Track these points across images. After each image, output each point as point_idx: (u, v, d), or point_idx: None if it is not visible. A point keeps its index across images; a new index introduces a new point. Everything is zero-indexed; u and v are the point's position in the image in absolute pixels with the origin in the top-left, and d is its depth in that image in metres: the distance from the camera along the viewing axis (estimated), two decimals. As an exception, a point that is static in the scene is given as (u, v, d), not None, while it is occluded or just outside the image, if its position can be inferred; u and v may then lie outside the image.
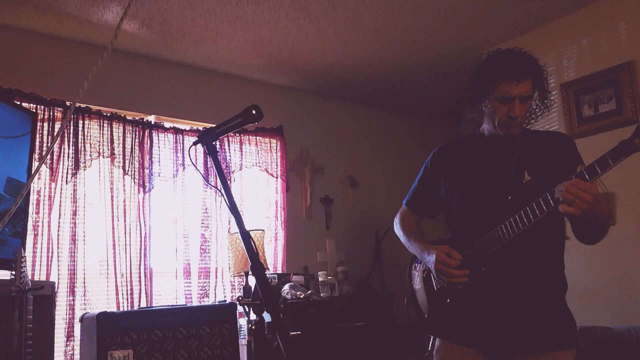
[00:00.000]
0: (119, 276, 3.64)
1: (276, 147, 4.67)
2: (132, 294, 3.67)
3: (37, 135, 3.37)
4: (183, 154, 4.10)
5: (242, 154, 4.44)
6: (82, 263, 3.53)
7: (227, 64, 4.37)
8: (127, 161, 3.82)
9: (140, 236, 3.80)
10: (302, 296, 3.85)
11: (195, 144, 1.59)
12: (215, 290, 4.08)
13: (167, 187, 4.04)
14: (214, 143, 1.57)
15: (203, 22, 3.65)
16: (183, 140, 4.14)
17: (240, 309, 3.65)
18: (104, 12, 3.43)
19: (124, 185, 3.80)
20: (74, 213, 3.55)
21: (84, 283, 3.52)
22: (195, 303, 3.94)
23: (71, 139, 3.61)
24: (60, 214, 3.50)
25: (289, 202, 4.66)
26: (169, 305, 3.52)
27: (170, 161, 4.06)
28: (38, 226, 3.38)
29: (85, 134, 3.68)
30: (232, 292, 4.15)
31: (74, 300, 3.45)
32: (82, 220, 3.58)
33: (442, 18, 3.79)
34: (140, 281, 3.73)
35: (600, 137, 3.59)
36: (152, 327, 3.10)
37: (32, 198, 3.36)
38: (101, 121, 3.77)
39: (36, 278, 3.29)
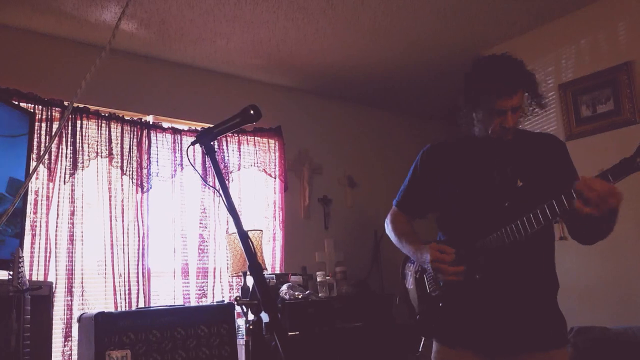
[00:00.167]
0: (117, 276, 3.63)
1: (274, 147, 4.67)
2: (130, 294, 3.66)
3: (35, 135, 3.37)
4: (181, 154, 4.09)
5: (240, 154, 4.44)
6: (80, 263, 3.52)
7: (226, 64, 4.37)
8: (125, 161, 3.82)
9: (138, 236, 3.79)
10: (300, 296, 3.85)
11: (193, 144, 1.58)
12: (213, 290, 4.08)
13: (165, 187, 4.04)
14: (212, 143, 1.56)
15: (201, 22, 3.65)
16: (181, 140, 4.14)
17: (238, 309, 3.65)
18: (102, 12, 3.43)
19: (122, 186, 3.79)
20: (72, 213, 3.54)
21: (82, 283, 3.51)
22: (193, 303, 3.94)
23: (69, 139, 3.60)
24: (58, 214, 3.49)
25: (287, 202, 4.66)
26: (167, 306, 3.51)
27: (168, 161, 4.06)
28: (36, 226, 3.37)
29: (83, 134, 3.67)
30: (230, 292, 4.15)
31: (71, 300, 3.44)
32: (80, 221, 3.57)
33: (441, 18, 3.79)
34: (138, 281, 3.73)
35: (598, 138, 3.59)
36: (150, 327, 3.10)
37: (30, 198, 3.35)
38: (99, 121, 3.76)
39: (34, 278, 3.28)
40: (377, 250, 4.99)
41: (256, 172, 4.55)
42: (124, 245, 3.71)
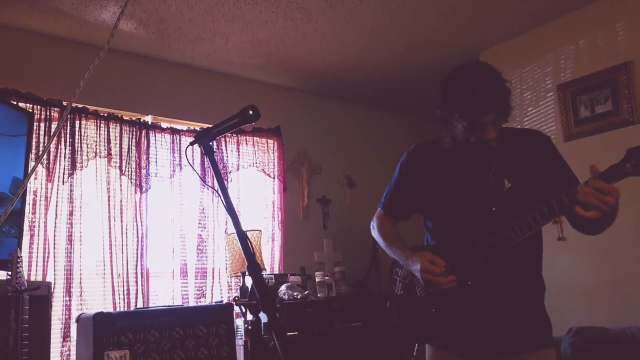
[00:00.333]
0: (115, 276, 3.63)
1: (273, 147, 4.67)
2: (128, 294, 3.66)
3: (34, 136, 3.37)
4: (180, 154, 4.09)
5: (239, 154, 4.44)
6: (78, 263, 3.52)
7: (225, 64, 4.36)
8: (123, 161, 3.82)
9: (137, 236, 3.79)
10: (299, 296, 3.85)
11: (192, 144, 1.58)
12: (212, 290, 4.08)
13: (164, 188, 4.03)
14: (211, 143, 1.56)
15: (200, 22, 3.64)
16: (180, 140, 4.14)
17: (237, 309, 3.64)
18: (101, 12, 3.42)
19: (120, 186, 3.79)
20: (71, 213, 3.54)
21: (81, 283, 3.51)
22: (192, 303, 3.94)
23: (68, 139, 3.60)
24: (56, 214, 3.49)
25: (286, 202, 4.65)
26: (165, 306, 3.51)
27: (167, 161, 4.06)
28: (34, 226, 3.37)
29: (82, 134, 3.67)
30: (229, 293, 4.15)
31: (70, 300, 3.44)
32: (79, 221, 3.57)
33: (440, 18, 3.79)
34: (136, 281, 3.73)
35: (597, 138, 3.60)
36: (149, 328, 3.09)
37: (29, 198, 3.35)
38: (98, 121, 3.76)
39: (32, 278, 3.28)
40: (376, 250, 4.99)
41: (255, 172, 4.55)
42: (122, 245, 3.70)
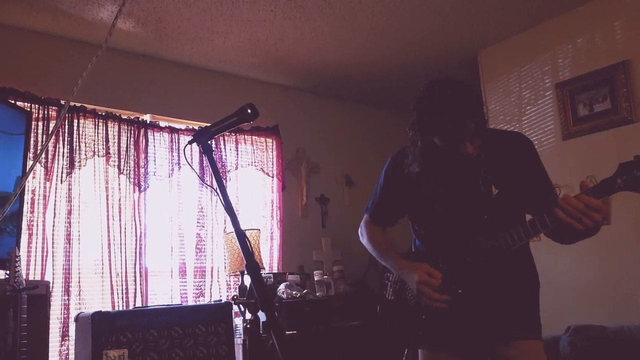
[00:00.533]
0: (114, 275, 3.63)
1: (272, 146, 4.67)
2: (127, 293, 3.66)
3: (32, 135, 3.36)
4: (178, 153, 4.09)
5: (237, 153, 4.44)
6: (77, 262, 3.51)
7: (223, 63, 4.36)
8: (122, 160, 3.81)
9: (136, 235, 3.78)
10: (298, 295, 3.85)
11: (190, 143, 1.58)
12: (210, 289, 4.08)
13: (163, 186, 4.03)
14: (209, 142, 1.56)
15: (199, 21, 3.64)
16: (178, 139, 4.13)
17: (235, 308, 3.64)
18: (99, 10, 3.42)
19: (119, 185, 3.78)
20: (69, 212, 3.54)
21: (79, 282, 3.51)
22: (190, 302, 3.93)
23: (66, 138, 3.60)
24: (55, 213, 3.48)
25: (284, 201, 4.65)
26: (164, 305, 3.51)
27: (165, 160, 4.05)
28: (33, 225, 3.36)
29: (80, 133, 3.66)
30: (227, 292, 4.15)
31: (68, 299, 3.43)
32: (77, 220, 3.57)
33: (438, 17, 3.79)
34: (135, 280, 3.72)
35: (595, 137, 3.60)
36: (148, 327, 3.09)
37: (27, 197, 3.34)
38: (96, 120, 3.75)
39: (31, 277, 3.27)
40: (375, 249, 4.99)
41: (254, 171, 4.55)
42: (121, 244, 3.70)
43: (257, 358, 3.36)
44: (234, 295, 3.68)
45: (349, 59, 4.40)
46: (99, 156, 3.73)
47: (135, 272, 3.73)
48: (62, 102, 3.55)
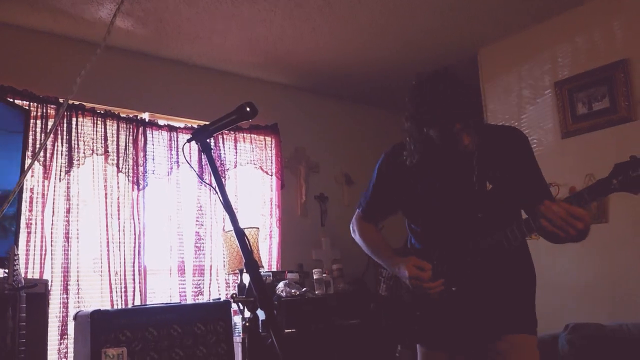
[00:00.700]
0: (112, 274, 3.63)
1: (271, 144, 4.67)
2: (126, 291, 3.66)
3: (30, 133, 3.36)
4: (177, 151, 4.09)
5: (236, 152, 4.44)
6: (75, 261, 3.51)
7: (222, 62, 4.36)
8: (121, 159, 3.81)
9: (134, 234, 3.78)
10: (297, 294, 3.85)
11: (189, 141, 1.58)
12: (209, 288, 4.08)
13: (162, 185, 4.03)
14: (208, 140, 1.56)
15: (198, 20, 3.64)
16: (177, 137, 4.13)
17: (234, 306, 3.64)
18: (98, 9, 3.41)
19: (117, 183, 3.78)
20: (68, 211, 3.53)
21: (78, 281, 3.50)
22: (189, 301, 3.93)
23: (64, 137, 3.59)
24: (53, 212, 3.48)
25: (283, 199, 4.65)
26: (163, 303, 3.51)
27: (164, 159, 4.05)
28: (31, 224, 3.36)
29: (79, 131, 3.66)
30: (226, 290, 4.15)
31: (67, 298, 3.43)
32: (76, 218, 3.56)
33: (437, 16, 3.79)
34: (134, 279, 3.72)
35: (594, 135, 3.60)
36: (147, 325, 3.09)
37: (26, 196, 3.34)
38: (95, 118, 3.75)
39: (29, 276, 3.27)
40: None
41: (253, 170, 4.55)
42: (120, 243, 3.70)
43: (256, 356, 3.37)
44: (233, 294, 3.68)
45: (348, 58, 4.40)
46: (97, 154, 3.73)
47: (134, 270, 3.73)
48: (61, 100, 3.55)
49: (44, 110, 3.50)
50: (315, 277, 4.37)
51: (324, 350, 3.78)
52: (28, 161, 3.12)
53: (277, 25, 3.78)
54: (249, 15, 3.61)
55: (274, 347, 1.36)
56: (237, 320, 3.68)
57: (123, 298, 3.63)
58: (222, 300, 3.68)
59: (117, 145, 3.81)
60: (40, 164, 3.46)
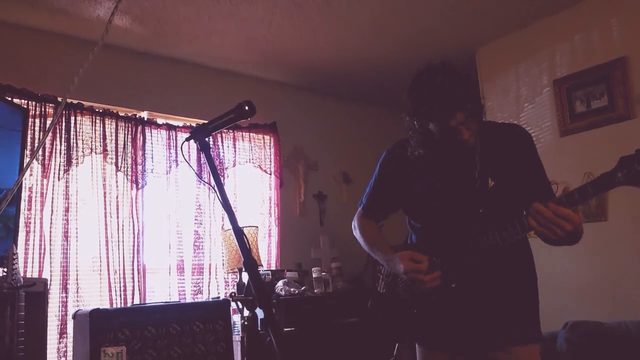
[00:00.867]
0: (112, 273, 3.63)
1: (270, 143, 4.67)
2: (125, 290, 3.66)
3: (29, 132, 3.35)
4: (176, 150, 4.08)
5: (235, 151, 4.44)
6: (74, 260, 3.51)
7: (221, 61, 4.35)
8: (119, 158, 3.81)
9: (133, 233, 3.78)
10: (296, 292, 3.85)
11: (188, 140, 1.57)
12: (208, 286, 4.08)
13: (160, 184, 4.03)
14: (207, 139, 1.56)
15: (197, 19, 3.63)
16: (176, 136, 4.13)
17: (233, 305, 3.65)
18: (96, 8, 3.41)
19: (116, 182, 3.78)
20: (66, 210, 3.53)
21: (77, 280, 3.50)
22: (188, 299, 3.94)
23: (63, 135, 3.59)
24: (52, 211, 3.48)
25: (282, 198, 4.65)
26: (162, 302, 3.51)
27: (163, 157, 4.05)
28: (30, 223, 3.36)
29: (78, 130, 3.66)
30: (225, 289, 4.15)
31: (66, 297, 3.43)
32: (75, 217, 3.56)
33: (436, 15, 3.79)
34: (133, 278, 3.72)
35: (593, 134, 3.60)
36: (146, 324, 3.10)
37: (24, 194, 3.33)
38: (93, 117, 3.75)
39: (28, 275, 3.27)
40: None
41: (251, 169, 4.55)
42: (119, 241, 3.70)
43: (255, 355, 3.37)
44: (232, 293, 3.67)
45: (346, 57, 4.40)
46: (96, 153, 3.72)
47: (133, 269, 3.73)
48: (59, 99, 3.54)
49: (43, 109, 3.49)
50: (314, 275, 4.37)
51: (323, 348, 3.78)
52: (27, 160, 3.11)
53: (276, 25, 3.78)
54: (247, 14, 3.60)
55: (272, 345, 1.37)
56: (236, 319, 3.69)
57: (122, 297, 3.63)
58: (221, 299, 3.69)
59: (116, 144, 3.81)
60: (38, 163, 3.46)
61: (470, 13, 3.80)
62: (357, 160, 5.25)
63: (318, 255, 4.79)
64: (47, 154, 3.50)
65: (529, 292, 1.82)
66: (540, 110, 3.93)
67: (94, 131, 3.73)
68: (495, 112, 4.19)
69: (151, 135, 4.01)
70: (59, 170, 3.54)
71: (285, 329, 3.65)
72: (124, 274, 3.67)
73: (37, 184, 3.44)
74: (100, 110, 3.79)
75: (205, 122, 1.58)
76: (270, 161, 4.63)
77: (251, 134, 4.56)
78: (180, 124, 4.21)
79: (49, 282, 3.29)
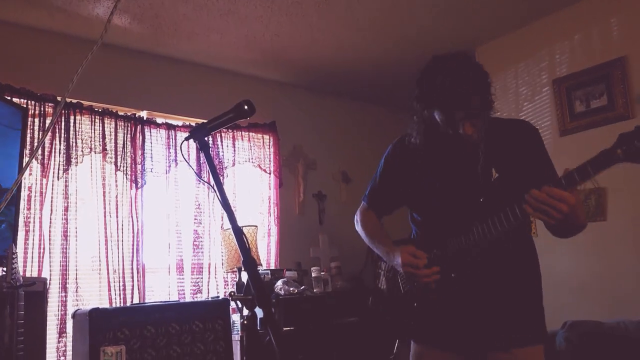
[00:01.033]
0: (111, 272, 3.63)
1: (269, 142, 4.67)
2: (124, 290, 3.66)
3: (29, 131, 3.35)
4: (175, 149, 4.08)
5: (234, 150, 4.43)
6: (74, 259, 3.51)
7: (220, 59, 4.35)
8: (119, 157, 3.81)
9: (133, 232, 3.78)
10: (295, 292, 3.85)
11: (187, 139, 1.57)
12: (208, 286, 4.08)
13: (160, 183, 4.03)
14: (206, 139, 1.56)
15: (195, 17, 3.63)
16: (175, 135, 4.13)
17: (233, 304, 3.65)
18: (95, 6, 3.41)
19: (116, 181, 3.78)
20: (66, 209, 3.53)
21: (76, 279, 3.51)
22: (188, 299, 3.94)
23: (62, 135, 3.59)
24: (51, 210, 3.48)
25: (282, 197, 4.65)
26: (161, 301, 3.51)
27: (162, 157, 4.05)
28: (29, 222, 3.36)
29: (77, 129, 3.65)
30: (225, 288, 4.15)
31: (66, 296, 3.43)
32: (74, 216, 3.56)
33: (435, 14, 3.79)
34: (132, 277, 3.72)
35: (592, 133, 3.60)
36: (145, 323, 3.10)
37: (24, 194, 3.33)
38: (93, 117, 3.75)
39: (28, 274, 3.27)
40: (372, 245, 4.99)
41: (251, 168, 4.55)
42: (118, 241, 3.70)
43: (254, 354, 3.37)
44: (231, 292, 3.68)
45: (345, 55, 4.39)
46: (95, 153, 3.72)
47: (132, 268, 3.73)
48: (59, 98, 3.54)
49: (42, 108, 3.49)
50: (313, 275, 4.37)
51: (323, 348, 3.78)
52: (26, 159, 3.11)
53: (274, 23, 3.78)
54: (245, 12, 3.60)
55: (272, 345, 1.37)
56: (235, 318, 3.69)
57: (121, 296, 3.63)
58: (220, 298, 3.69)
59: (115, 143, 3.81)
60: (38, 162, 3.46)
61: (470, 12, 3.80)
62: (356, 159, 5.25)
63: (317, 254, 4.79)
64: (46, 153, 3.50)
65: (532, 291, 1.79)
66: (539, 109, 3.94)
67: (93, 130, 3.73)
68: (494, 112, 4.18)
69: (150, 135, 4.01)
70: (59, 169, 3.54)
71: (285, 329, 3.65)
72: (123, 273, 3.67)
73: (36, 184, 3.44)
74: (100, 110, 3.79)
75: (205, 121, 1.58)
76: (270, 160, 4.63)
77: (250, 134, 4.56)
78: (180, 123, 4.21)
79: (48, 282, 3.29)
